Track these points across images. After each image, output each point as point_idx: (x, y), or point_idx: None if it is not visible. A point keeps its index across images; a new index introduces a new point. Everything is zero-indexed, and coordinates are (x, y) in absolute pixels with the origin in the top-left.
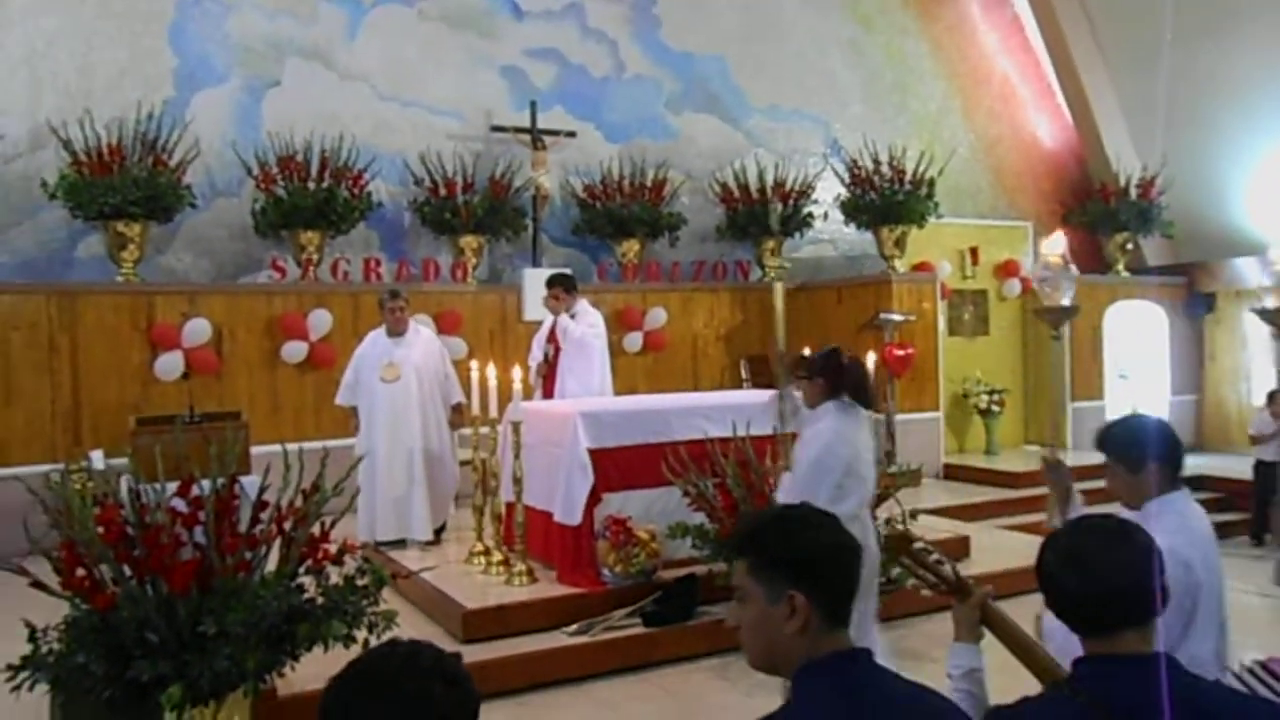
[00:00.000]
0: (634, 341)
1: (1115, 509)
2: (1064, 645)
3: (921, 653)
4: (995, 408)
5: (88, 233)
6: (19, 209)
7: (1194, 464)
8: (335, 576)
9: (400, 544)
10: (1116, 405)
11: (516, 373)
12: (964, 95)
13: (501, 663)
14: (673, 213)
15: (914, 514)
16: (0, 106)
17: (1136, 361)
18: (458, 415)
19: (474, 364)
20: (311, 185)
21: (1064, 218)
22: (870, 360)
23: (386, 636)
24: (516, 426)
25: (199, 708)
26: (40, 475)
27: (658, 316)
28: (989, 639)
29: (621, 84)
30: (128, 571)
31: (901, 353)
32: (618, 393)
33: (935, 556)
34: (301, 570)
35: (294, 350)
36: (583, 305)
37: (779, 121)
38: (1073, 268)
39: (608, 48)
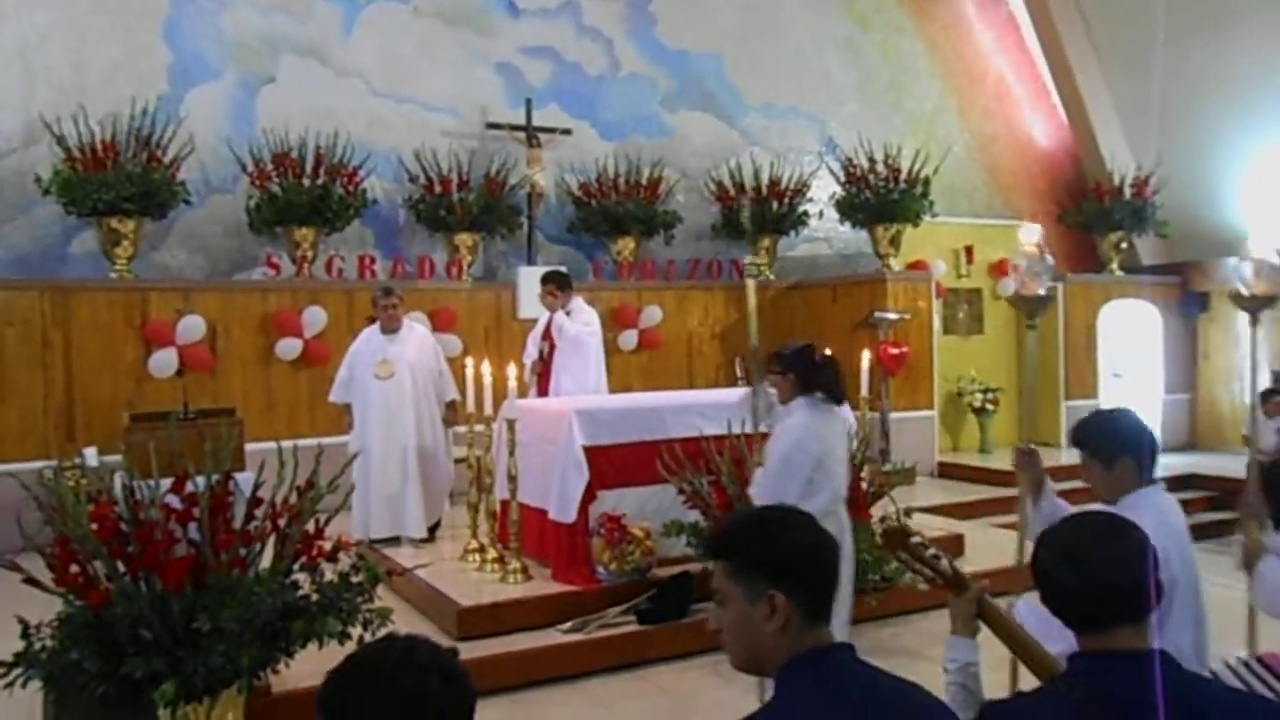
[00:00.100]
0: (629, 339)
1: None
2: (1036, 634)
3: (915, 650)
4: (989, 406)
5: (81, 229)
6: (12, 204)
7: (1187, 463)
8: (330, 573)
9: (394, 541)
10: (1110, 404)
11: (511, 370)
12: (959, 94)
13: (496, 660)
14: (668, 211)
15: (908, 512)
16: None
17: (1130, 360)
18: (452, 412)
19: (469, 361)
20: (306, 182)
21: (1059, 217)
22: (865, 359)
23: (382, 633)
24: (511, 424)
25: (193, 705)
26: (33, 472)
27: (653, 314)
28: (985, 635)
29: (617, 82)
30: (121, 568)
31: (896, 351)
32: (613, 391)
33: (932, 551)
34: (296, 567)
35: (288, 347)
36: (578, 303)
37: (774, 120)
38: (1048, 257)
39: (603, 45)
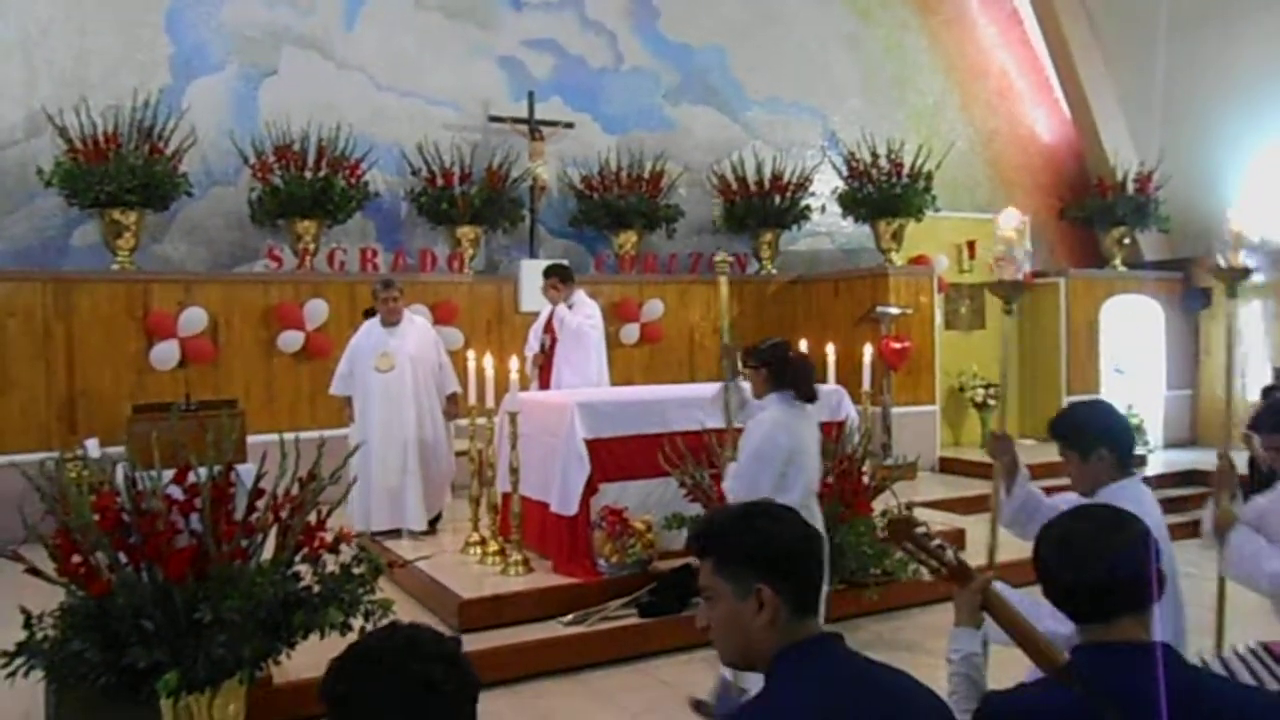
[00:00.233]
0: (631, 333)
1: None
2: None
3: (916, 644)
4: (991, 401)
5: (83, 220)
6: (14, 196)
7: (1189, 459)
8: (331, 565)
9: (395, 534)
10: (1112, 399)
11: (514, 363)
12: (962, 89)
13: (497, 652)
14: (670, 205)
15: (910, 506)
16: None
17: (1132, 356)
18: (453, 405)
19: (470, 354)
20: (308, 175)
21: (1061, 212)
22: (867, 353)
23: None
24: (513, 416)
25: (195, 695)
26: (35, 463)
27: (654, 308)
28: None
29: (619, 75)
30: (123, 558)
31: (898, 346)
32: (614, 384)
33: (937, 542)
34: (298, 558)
35: (290, 340)
36: (580, 296)
37: (777, 114)
38: (1027, 243)
39: (606, 39)
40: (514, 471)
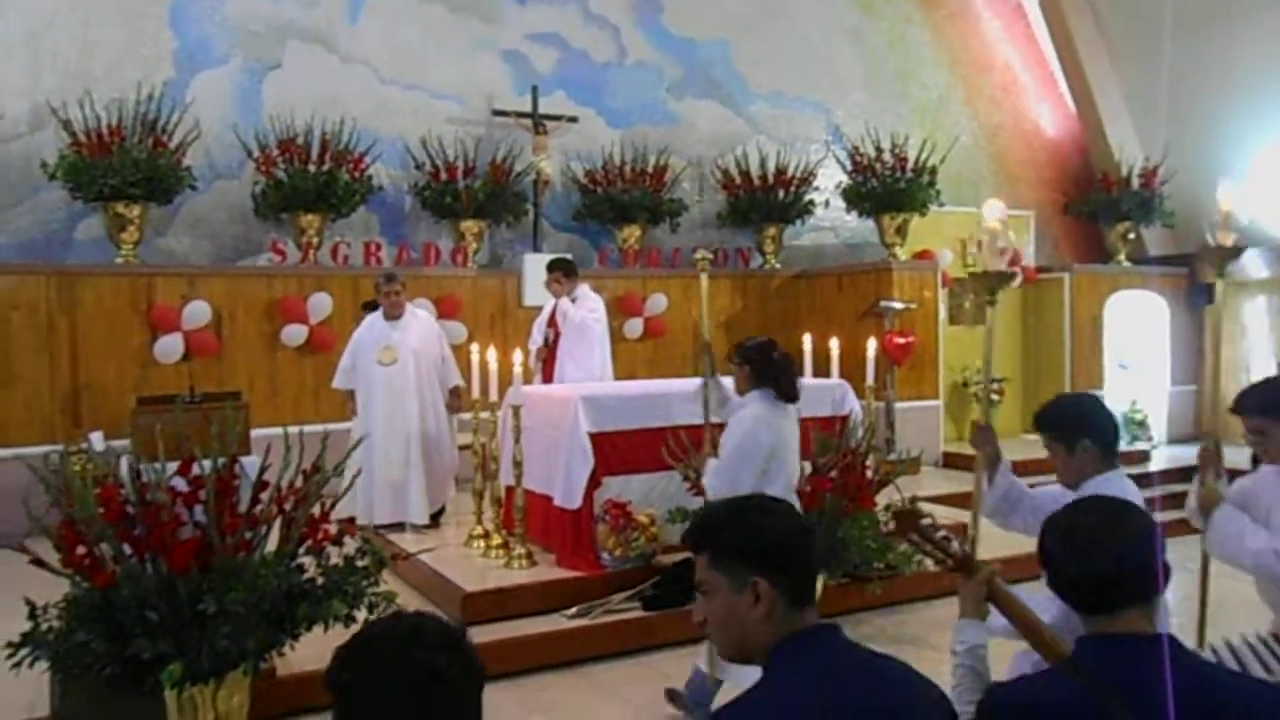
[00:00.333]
0: (634, 328)
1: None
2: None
3: (920, 638)
4: (995, 396)
5: (87, 214)
6: (18, 189)
7: (1193, 454)
8: (335, 557)
9: (398, 527)
10: (1115, 395)
11: (517, 356)
12: (966, 83)
13: (501, 645)
14: (674, 199)
15: (913, 500)
16: (0, 86)
17: (1136, 352)
18: (456, 399)
19: (474, 348)
20: (312, 168)
21: (1065, 207)
22: (871, 347)
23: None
24: (517, 410)
25: (199, 686)
26: (39, 457)
27: (658, 303)
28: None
29: (623, 69)
30: (128, 550)
31: (902, 341)
32: (617, 378)
33: (943, 533)
34: (301, 550)
35: (294, 333)
36: (583, 290)
37: (781, 108)
38: (1011, 234)
39: (610, 33)
40: (517, 465)
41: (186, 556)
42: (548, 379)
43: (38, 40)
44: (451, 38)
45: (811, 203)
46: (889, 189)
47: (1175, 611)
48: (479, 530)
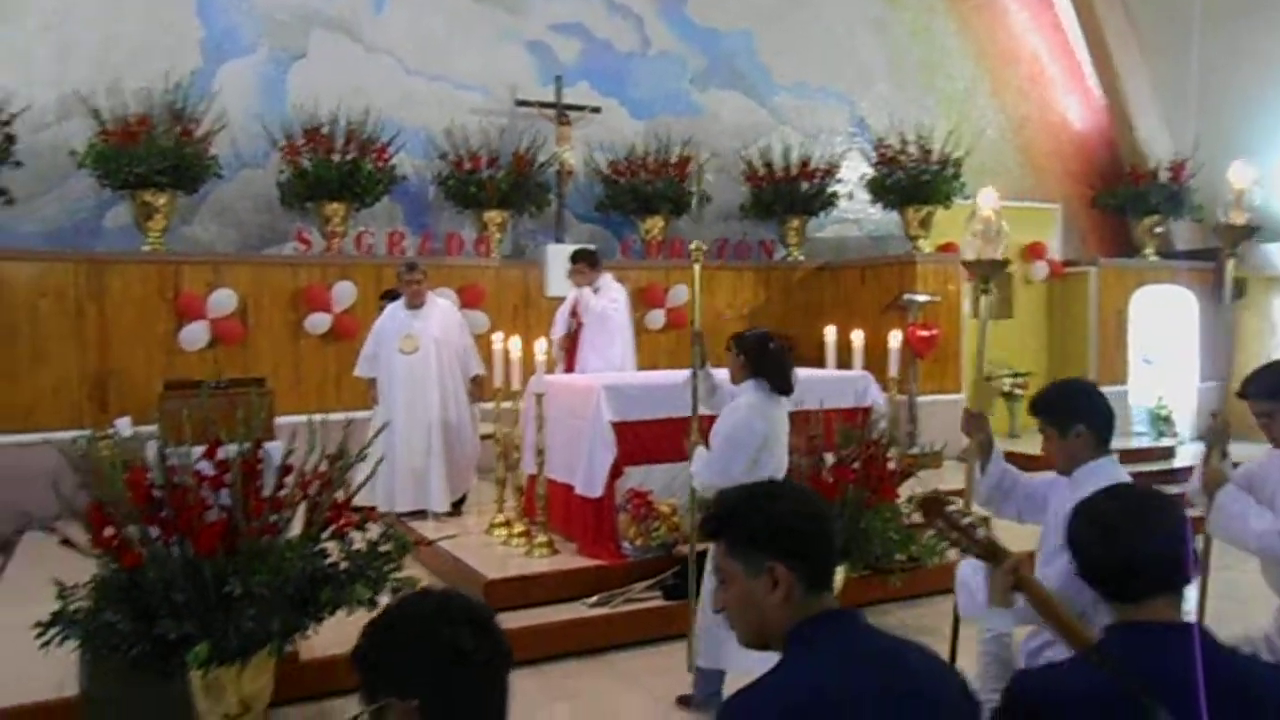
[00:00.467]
0: (656, 319)
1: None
2: (981, 591)
3: (941, 630)
4: (1018, 390)
5: (115, 202)
6: (48, 178)
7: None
8: (358, 542)
9: (420, 515)
10: (1141, 390)
11: (540, 345)
12: (992, 74)
13: (522, 632)
14: (698, 190)
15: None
16: (29, 76)
17: (1164, 347)
18: (477, 387)
19: (497, 336)
20: (336, 158)
21: (1092, 200)
22: (894, 339)
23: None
24: (539, 398)
25: (224, 667)
26: (67, 441)
27: (680, 294)
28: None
29: (647, 60)
30: (155, 532)
31: (925, 334)
32: (640, 369)
33: (969, 519)
34: (325, 535)
35: (317, 322)
36: (606, 279)
37: (805, 100)
38: (1004, 223)
39: (633, 23)
40: (540, 453)
41: (212, 539)
42: (570, 369)
43: (67, 30)
44: (476, 28)
45: (835, 195)
46: (913, 181)
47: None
48: (500, 518)
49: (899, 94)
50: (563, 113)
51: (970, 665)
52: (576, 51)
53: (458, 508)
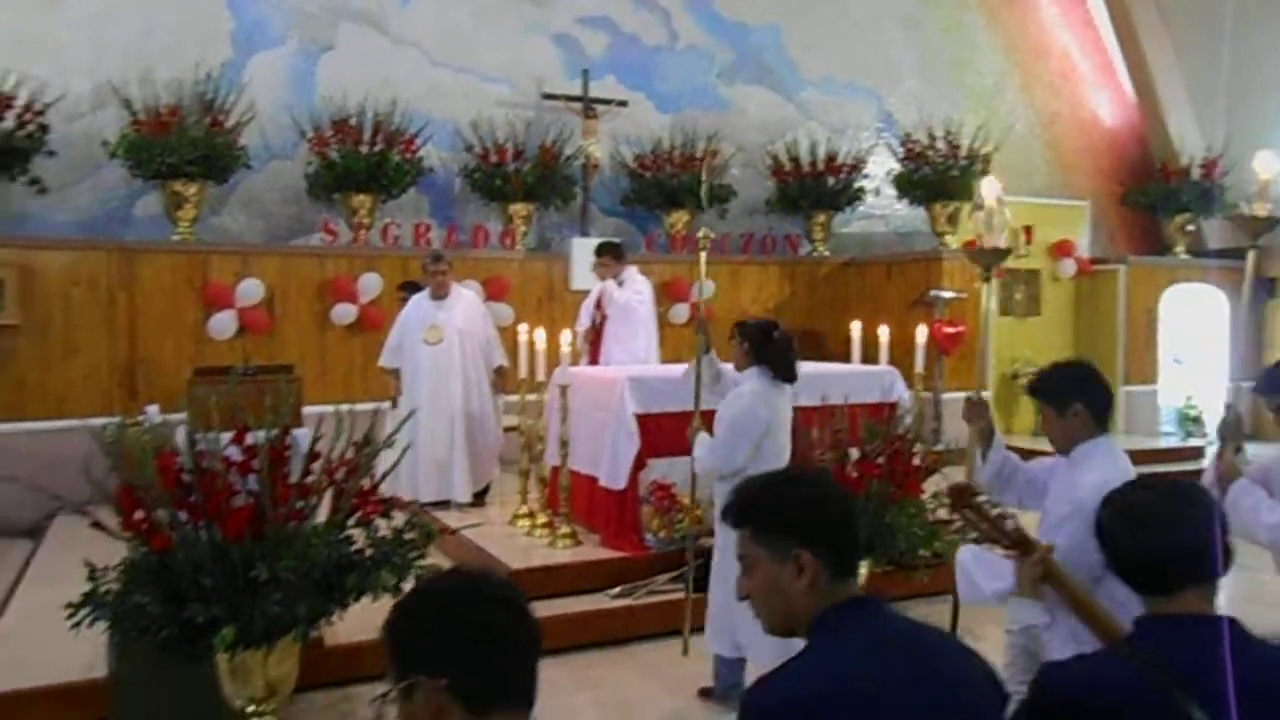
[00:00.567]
0: (681, 313)
1: None
2: (977, 576)
3: (965, 628)
4: None
5: (146, 191)
6: (81, 167)
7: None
8: (384, 529)
9: (443, 505)
10: (1170, 390)
11: (565, 336)
12: (1023, 70)
13: (545, 622)
14: (723, 184)
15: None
16: (63, 66)
17: (1194, 346)
18: (500, 378)
19: (522, 328)
20: (364, 149)
21: (1122, 197)
22: (920, 335)
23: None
24: (564, 390)
25: (250, 650)
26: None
27: (705, 288)
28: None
29: (674, 54)
30: (184, 516)
31: (951, 330)
32: (663, 363)
33: (998, 510)
34: (351, 522)
35: (343, 312)
36: (630, 272)
37: (832, 95)
38: (1007, 211)
39: (660, 17)
40: (564, 444)
41: (240, 524)
42: (593, 361)
43: (101, 21)
44: (502, 21)
45: (861, 190)
46: (941, 177)
47: None
48: (524, 509)
49: (928, 89)
50: (589, 106)
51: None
52: (603, 45)
53: (481, 498)
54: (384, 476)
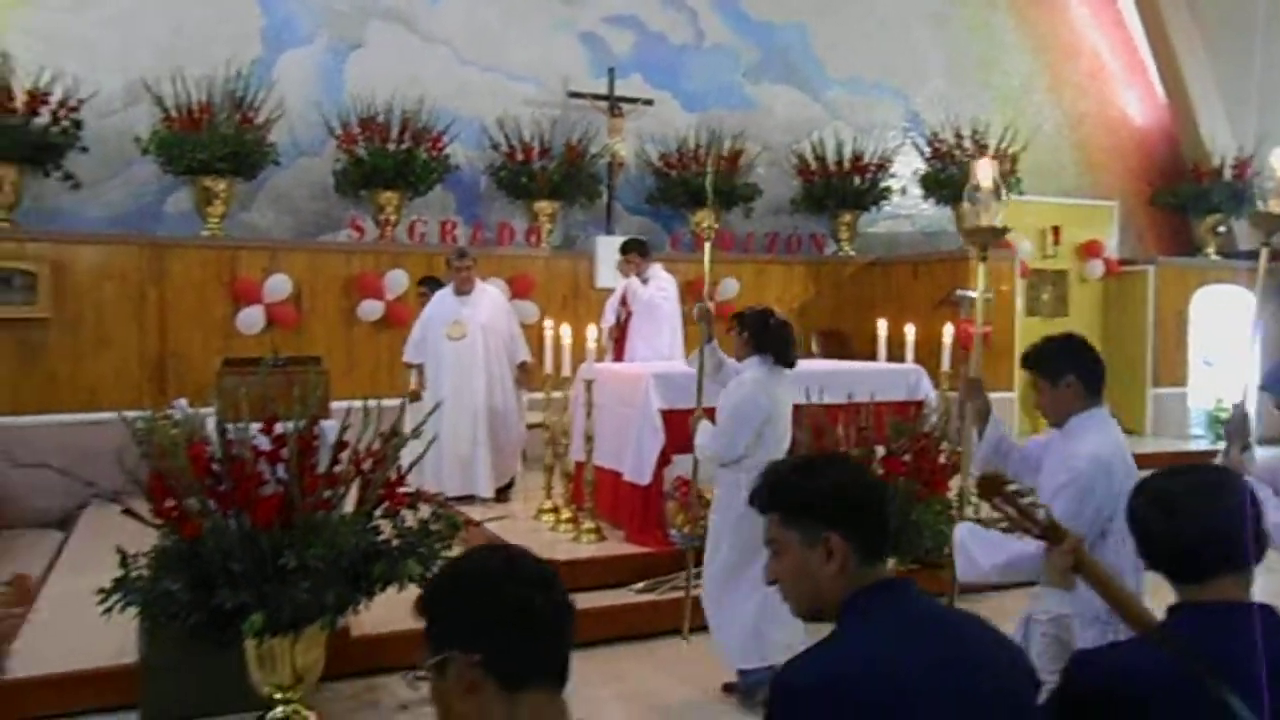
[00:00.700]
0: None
1: None
2: (976, 554)
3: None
4: None
5: (176, 187)
6: (113, 163)
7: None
8: (410, 520)
9: (467, 500)
10: (1200, 392)
11: (591, 331)
12: (1051, 70)
13: None
14: (748, 183)
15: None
16: (97, 63)
17: (1225, 348)
18: (523, 374)
19: (548, 323)
20: (391, 146)
21: (1151, 198)
22: (947, 334)
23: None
24: (589, 385)
25: (278, 638)
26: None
27: (730, 287)
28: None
29: (700, 53)
30: (213, 504)
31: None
32: (688, 359)
33: (1029, 499)
34: (378, 512)
35: (370, 309)
36: (655, 269)
37: (859, 94)
38: (1003, 192)
39: (687, 16)
40: (589, 439)
41: (269, 512)
42: (618, 358)
43: (133, 19)
44: (530, 19)
45: (888, 189)
46: (968, 176)
47: None
48: (548, 504)
49: (955, 89)
50: (615, 105)
51: None
52: (630, 44)
53: (504, 494)
54: (411, 467)
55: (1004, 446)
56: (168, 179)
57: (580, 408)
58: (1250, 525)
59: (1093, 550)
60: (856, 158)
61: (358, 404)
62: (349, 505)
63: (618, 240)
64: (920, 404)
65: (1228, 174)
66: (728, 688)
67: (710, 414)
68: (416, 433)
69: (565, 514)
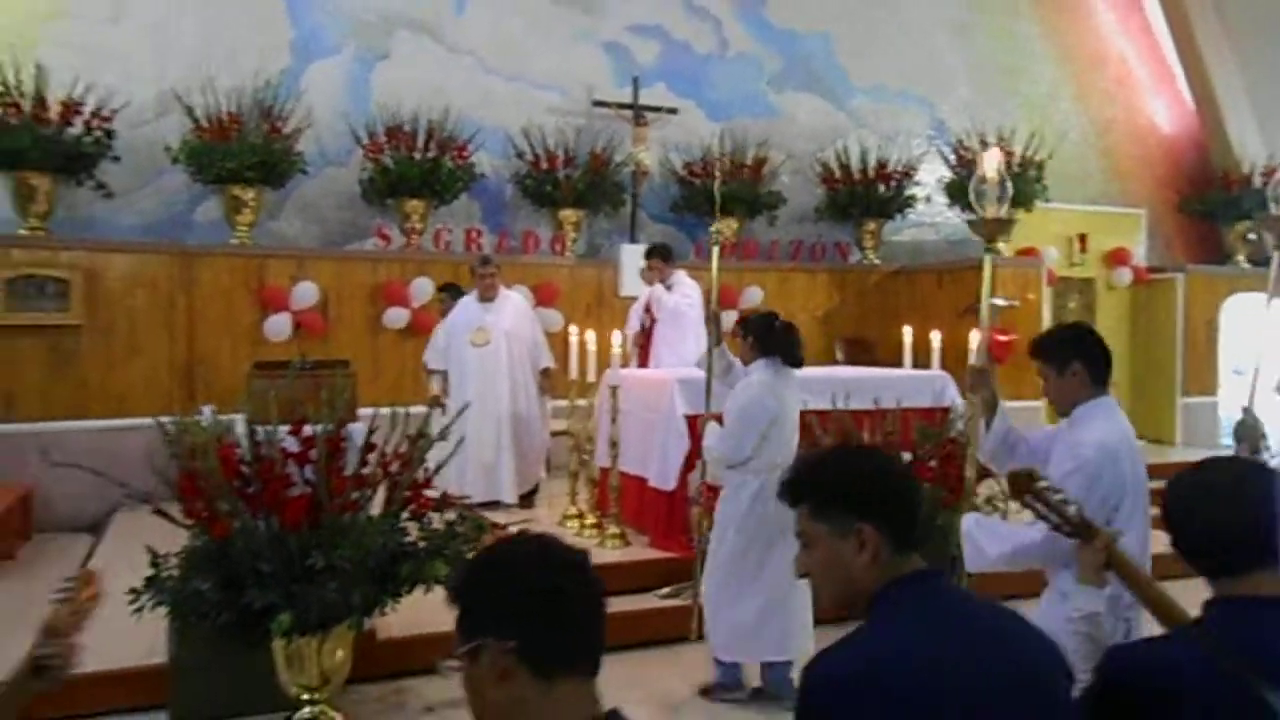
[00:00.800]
0: (727, 320)
1: None
2: (983, 543)
3: None
4: None
5: (206, 196)
6: (144, 172)
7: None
8: (436, 522)
9: (491, 505)
10: (1230, 401)
11: (616, 337)
12: (1077, 78)
13: None
14: (772, 191)
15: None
16: (129, 74)
17: (1257, 358)
18: (547, 380)
19: (573, 330)
20: (417, 156)
21: (1179, 205)
22: (974, 340)
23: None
24: (614, 391)
25: (306, 638)
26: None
27: (753, 295)
28: None
29: (724, 61)
30: (243, 506)
31: (1004, 339)
32: None
33: (1060, 495)
34: (405, 514)
35: (395, 316)
36: (679, 276)
37: (883, 103)
38: (1008, 184)
39: (711, 24)
40: (614, 445)
41: (297, 513)
42: (643, 365)
43: (165, 31)
44: (554, 29)
45: (912, 198)
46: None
47: None
48: (573, 510)
49: (980, 97)
50: (639, 114)
51: None
52: (654, 53)
53: (528, 500)
54: (437, 470)
55: (1011, 438)
56: (197, 188)
57: (605, 414)
58: None
59: None
60: (881, 166)
61: (384, 410)
62: (376, 507)
63: (642, 248)
64: (946, 410)
65: (1257, 181)
66: (705, 691)
67: (719, 418)
68: (443, 434)
69: (590, 519)
